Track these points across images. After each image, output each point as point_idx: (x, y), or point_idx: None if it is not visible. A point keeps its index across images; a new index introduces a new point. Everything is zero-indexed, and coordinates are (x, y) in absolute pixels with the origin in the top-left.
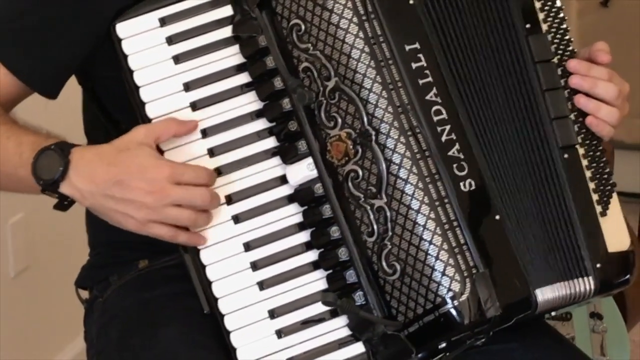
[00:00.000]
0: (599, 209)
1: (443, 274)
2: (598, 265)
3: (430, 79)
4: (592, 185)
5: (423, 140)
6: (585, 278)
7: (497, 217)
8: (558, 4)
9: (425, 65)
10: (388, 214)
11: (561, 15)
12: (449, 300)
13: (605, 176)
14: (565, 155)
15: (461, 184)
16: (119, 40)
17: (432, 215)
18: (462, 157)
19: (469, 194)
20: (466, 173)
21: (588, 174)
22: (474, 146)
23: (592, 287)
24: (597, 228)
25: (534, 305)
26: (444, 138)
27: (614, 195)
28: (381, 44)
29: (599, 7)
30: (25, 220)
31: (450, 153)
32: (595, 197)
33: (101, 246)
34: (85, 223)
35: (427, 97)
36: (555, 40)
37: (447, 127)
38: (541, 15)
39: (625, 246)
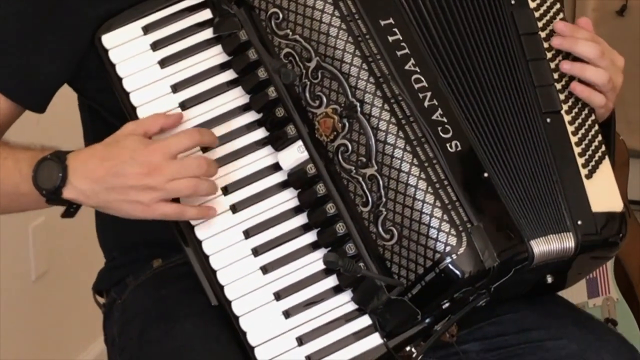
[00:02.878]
0: (584, 172)
1: (439, 230)
2: (579, 222)
3: (407, 50)
4: (578, 150)
5: (406, 106)
6: (566, 233)
7: (486, 174)
8: None
9: (400, 38)
10: (380, 181)
11: None
12: (447, 255)
13: (596, 143)
14: (548, 120)
15: (447, 145)
16: (106, 50)
17: (423, 176)
18: (445, 120)
19: (456, 154)
20: (451, 135)
21: (574, 139)
22: (455, 111)
23: (573, 243)
24: (579, 188)
25: (530, 256)
26: (426, 104)
27: (605, 162)
28: (357, 21)
29: (615, 17)
30: (46, 224)
31: (433, 117)
32: (581, 160)
33: (115, 250)
34: (96, 231)
35: (406, 67)
36: (545, 17)
37: (428, 94)
38: None
39: (614, 208)
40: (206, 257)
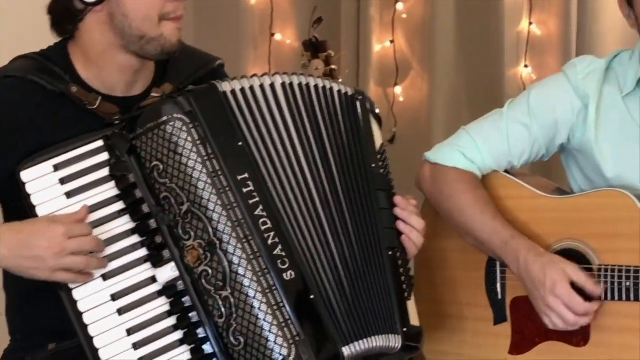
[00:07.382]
0: (405, 294)
1: (275, 343)
2: (405, 330)
3: (257, 199)
4: (402, 277)
5: (255, 245)
6: (396, 336)
7: (312, 296)
8: (385, 155)
9: (252, 189)
10: (232, 300)
11: (387, 163)
12: None
13: (411, 273)
14: (390, 253)
15: (284, 274)
16: (23, 183)
17: (265, 300)
18: (284, 254)
19: (290, 282)
20: (287, 266)
21: (400, 270)
22: (292, 246)
23: (400, 344)
24: (404, 304)
25: (342, 358)
26: (269, 242)
27: (413, 291)
28: (220, 176)
29: (388, 144)
30: None
31: (275, 252)
32: (403, 285)
33: (18, 333)
34: (5, 316)
35: (256, 213)
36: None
37: (272, 234)
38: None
39: (416, 323)
40: (96, 350)
